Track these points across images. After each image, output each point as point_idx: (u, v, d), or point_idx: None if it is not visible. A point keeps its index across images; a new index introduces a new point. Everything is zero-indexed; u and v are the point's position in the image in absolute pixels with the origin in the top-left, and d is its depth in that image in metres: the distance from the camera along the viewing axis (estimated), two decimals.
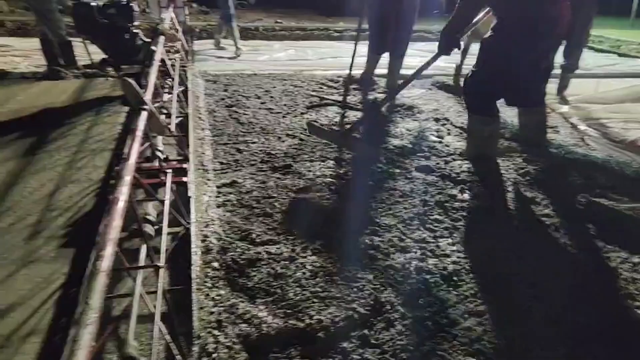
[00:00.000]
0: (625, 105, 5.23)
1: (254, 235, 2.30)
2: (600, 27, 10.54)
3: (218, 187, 2.77)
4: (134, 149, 1.87)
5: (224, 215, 2.47)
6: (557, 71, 5.35)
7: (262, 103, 4.33)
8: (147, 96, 2.46)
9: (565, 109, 4.89)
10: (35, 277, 1.98)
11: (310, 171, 2.99)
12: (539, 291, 2.00)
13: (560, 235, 2.40)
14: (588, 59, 7.88)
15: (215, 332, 1.66)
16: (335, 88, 4.96)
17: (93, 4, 3.92)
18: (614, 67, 7.66)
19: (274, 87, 4.83)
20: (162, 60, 3.80)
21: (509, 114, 4.05)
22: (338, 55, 7.63)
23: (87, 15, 3.84)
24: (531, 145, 3.34)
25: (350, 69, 4.45)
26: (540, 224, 2.50)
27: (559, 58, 5.16)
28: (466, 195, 2.76)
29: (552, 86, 5.39)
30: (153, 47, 3.97)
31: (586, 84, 5.92)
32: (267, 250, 2.20)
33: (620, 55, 8.60)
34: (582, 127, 4.27)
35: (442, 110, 4.24)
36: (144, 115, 2.21)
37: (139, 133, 2.04)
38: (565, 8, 2.87)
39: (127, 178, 1.66)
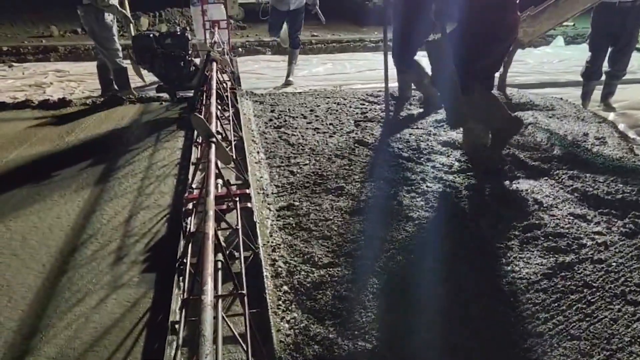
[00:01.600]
0: None
1: (315, 258, 2.46)
2: None
3: (277, 210, 2.95)
4: (212, 184, 2.05)
5: (286, 238, 2.64)
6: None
7: (308, 123, 4.50)
8: (212, 128, 2.66)
9: (611, 116, 4.88)
10: (124, 302, 2.19)
11: (362, 192, 3.13)
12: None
13: (610, 253, 2.47)
14: (634, 62, 7.74)
15: (294, 354, 1.82)
16: (377, 103, 5.09)
17: (151, 35, 4.19)
18: None
19: (318, 106, 5.00)
20: (217, 86, 4.02)
21: (552, 126, 4.10)
22: (375, 68, 7.75)
23: (147, 47, 4.11)
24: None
25: (386, 84, 4.59)
26: (592, 242, 2.56)
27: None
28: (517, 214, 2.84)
29: (596, 92, 5.41)
30: (206, 73, 4.22)
31: (634, 90, 5.85)
32: (329, 272, 2.35)
33: None
34: (631, 135, 4.26)
35: None
36: (213, 148, 2.41)
37: (213, 166, 2.24)
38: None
39: (211, 213, 1.83)
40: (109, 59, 5.12)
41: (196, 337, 1.28)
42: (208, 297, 1.41)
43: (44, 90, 6.74)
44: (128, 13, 5.37)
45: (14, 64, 8.45)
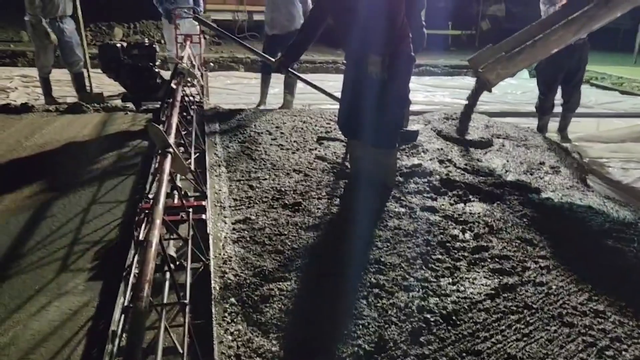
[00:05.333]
0: (626, 144, 5.40)
1: (266, 272, 2.46)
2: (603, 63, 10.81)
3: (233, 223, 2.95)
4: (162, 193, 2.05)
5: (239, 251, 2.64)
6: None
7: (273, 139, 4.53)
8: (170, 138, 2.67)
9: (568, 147, 5.07)
10: (66, 310, 2.15)
11: (318, 209, 3.16)
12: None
13: (552, 276, 2.56)
14: (590, 96, 8.10)
15: None
16: None
17: (118, 45, 4.19)
18: (616, 105, 7.86)
19: (284, 123, 5.05)
20: (182, 98, 4.03)
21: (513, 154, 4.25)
22: None
23: (113, 56, 4.10)
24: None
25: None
26: (536, 265, 2.65)
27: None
28: (467, 236, 2.92)
29: (553, 124, 5.63)
30: (172, 86, 4.22)
31: (587, 123, 6.10)
32: (278, 286, 2.36)
33: (622, 92, 8.81)
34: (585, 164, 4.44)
35: (446, 150, 4.43)
36: (169, 158, 2.41)
37: (165, 176, 2.24)
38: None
39: (158, 222, 1.84)
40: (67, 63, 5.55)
41: (125, 346, 1.28)
42: (143, 303, 1.41)
43: (7, 94, 6.62)
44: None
45: None
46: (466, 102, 4.88)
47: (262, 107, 6.33)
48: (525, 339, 2.11)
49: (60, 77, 6.44)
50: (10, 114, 4.88)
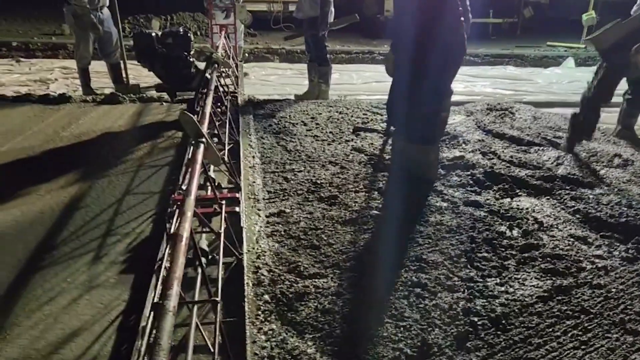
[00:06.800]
0: None
1: (301, 268, 2.35)
2: None
3: (267, 216, 2.85)
4: (194, 185, 1.96)
5: (273, 246, 2.54)
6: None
7: (308, 130, 4.41)
8: (204, 128, 2.58)
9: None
10: (97, 303, 2.10)
11: (355, 202, 3.03)
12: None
13: (610, 278, 2.35)
14: None
15: None
16: (380, 114, 5.00)
17: (153, 33, 4.14)
18: None
19: (320, 114, 4.92)
20: (216, 88, 3.96)
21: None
22: (382, 80, 7.68)
23: (147, 45, 4.05)
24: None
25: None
26: (592, 266, 2.44)
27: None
28: (515, 233, 2.73)
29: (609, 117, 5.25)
30: (207, 75, 4.15)
31: None
32: (314, 283, 2.25)
33: None
34: None
35: (488, 142, 4.20)
36: (201, 148, 2.33)
37: (198, 167, 2.15)
38: None
39: (189, 214, 1.75)
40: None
41: (153, 345, 1.18)
42: (171, 302, 1.32)
43: (47, 86, 6.73)
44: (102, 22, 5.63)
45: (21, 59, 8.46)
46: (589, 94, 3.92)
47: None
48: (583, 347, 1.93)
49: (99, 69, 6.48)
50: (49, 105, 4.92)
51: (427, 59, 2.95)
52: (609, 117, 5.54)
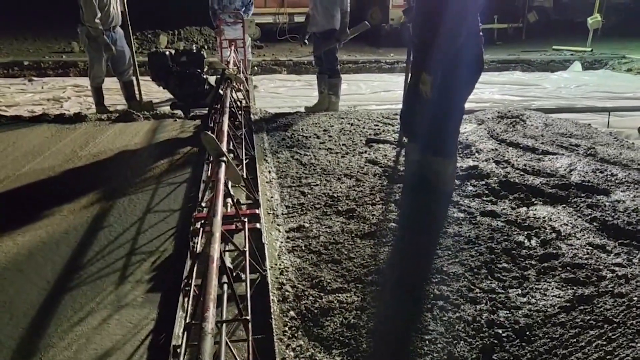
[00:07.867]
0: None
1: (324, 283, 2.38)
2: None
3: (287, 231, 2.89)
4: (219, 204, 2.01)
5: (295, 261, 2.58)
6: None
7: (321, 143, 4.46)
8: (223, 146, 2.63)
9: None
10: (127, 323, 2.14)
11: (373, 215, 3.06)
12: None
13: (632, 286, 2.36)
14: None
15: None
16: (391, 125, 5.05)
17: (167, 53, 4.22)
18: None
19: (332, 126, 4.97)
20: (230, 104, 4.02)
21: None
22: (390, 89, 7.74)
23: (162, 65, 4.13)
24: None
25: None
26: (612, 274, 2.46)
27: None
28: (533, 242, 2.75)
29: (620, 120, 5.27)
30: (220, 92, 4.22)
31: None
32: (338, 298, 2.28)
33: None
34: None
35: (501, 150, 4.23)
36: (223, 167, 2.37)
37: (221, 186, 2.20)
38: None
39: (217, 235, 1.79)
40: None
41: None
42: (209, 324, 1.36)
43: (61, 104, 6.84)
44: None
45: (34, 78, 8.60)
46: None
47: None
48: (608, 357, 1.94)
49: (110, 86, 6.58)
50: (65, 124, 5.01)
51: (460, 74, 2.99)
52: (621, 122, 5.57)
